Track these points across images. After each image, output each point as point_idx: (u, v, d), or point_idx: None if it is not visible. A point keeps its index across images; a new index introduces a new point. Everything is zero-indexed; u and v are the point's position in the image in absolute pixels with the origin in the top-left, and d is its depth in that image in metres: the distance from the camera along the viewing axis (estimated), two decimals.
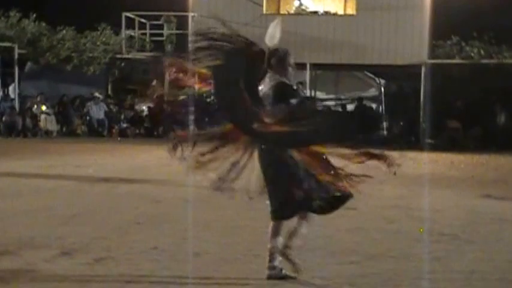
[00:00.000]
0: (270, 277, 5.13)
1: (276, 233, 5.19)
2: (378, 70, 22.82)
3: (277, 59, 5.26)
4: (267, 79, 5.21)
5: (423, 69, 20.03)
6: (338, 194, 5.10)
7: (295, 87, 5.34)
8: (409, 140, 21.37)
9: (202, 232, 5.71)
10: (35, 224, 7.12)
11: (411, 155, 16.84)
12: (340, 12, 21.31)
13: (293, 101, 5.14)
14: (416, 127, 20.52)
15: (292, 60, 5.31)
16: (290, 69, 5.28)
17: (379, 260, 5.91)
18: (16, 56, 21.18)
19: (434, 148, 17.97)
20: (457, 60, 20.15)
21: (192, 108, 5.14)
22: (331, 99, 23.46)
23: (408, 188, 10.71)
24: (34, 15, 21.82)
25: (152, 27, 22.29)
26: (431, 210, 8.44)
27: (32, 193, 9.27)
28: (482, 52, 19.91)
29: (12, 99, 22.00)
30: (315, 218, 5.29)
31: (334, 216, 7.92)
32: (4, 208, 8.04)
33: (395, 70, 21.44)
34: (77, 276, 5.19)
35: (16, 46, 21.20)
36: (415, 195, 9.93)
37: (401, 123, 22.10)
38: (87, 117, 21.69)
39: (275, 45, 5.34)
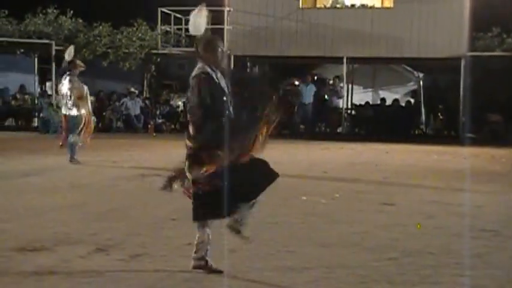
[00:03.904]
0: (194, 267, 5.08)
1: (202, 224, 5.13)
2: (416, 63, 22.54)
3: (203, 46, 5.09)
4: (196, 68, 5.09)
5: (463, 62, 19.71)
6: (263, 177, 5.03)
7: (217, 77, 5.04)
8: (449, 134, 21.13)
9: None
10: (70, 220, 7.14)
11: (451, 149, 16.65)
12: (378, 5, 21.10)
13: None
14: (456, 121, 20.21)
15: (220, 46, 5.12)
16: (219, 55, 5.07)
17: (417, 256, 5.79)
18: (53, 53, 21.38)
19: (475, 142, 17.69)
20: (497, 53, 19.78)
21: None
22: None
23: (448, 183, 10.55)
24: (71, 12, 22.05)
25: (188, 22, 22.32)
26: (471, 205, 8.27)
27: (67, 189, 9.32)
28: None
29: (50, 96, 22.23)
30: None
31: (371, 212, 7.88)
32: (40, 204, 8.08)
33: (434, 63, 21.15)
34: (112, 272, 5.17)
35: (53, 43, 21.42)
36: (455, 190, 9.76)
37: (441, 117, 21.81)
38: (123, 113, 21.82)
39: (201, 33, 5.20)
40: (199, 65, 5.08)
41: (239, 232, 5.12)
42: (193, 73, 5.07)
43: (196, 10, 5.30)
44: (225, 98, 5.02)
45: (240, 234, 5.13)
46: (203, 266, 5.11)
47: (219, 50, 5.11)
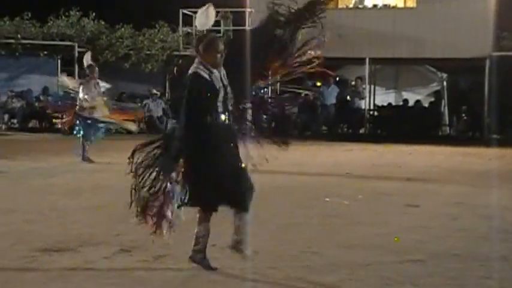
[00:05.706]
0: (191, 258, 5.20)
1: (202, 219, 5.23)
2: (440, 64, 22.33)
3: (206, 44, 5.12)
4: (194, 64, 5.14)
5: (487, 63, 19.51)
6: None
7: (209, 78, 5.07)
8: (473, 136, 20.92)
9: (259, 230, 5.64)
10: (94, 221, 7.18)
11: (476, 150, 16.49)
12: (400, 5, 20.97)
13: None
14: (480, 122, 20.01)
15: (221, 46, 5.13)
16: (218, 56, 5.10)
17: (442, 258, 5.73)
18: (76, 55, 21.51)
19: (500, 143, 17.48)
20: None
21: None
22: None
23: (473, 184, 10.46)
24: (93, 14, 22.18)
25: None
26: (497, 207, 8.18)
27: (91, 190, 9.36)
28: None
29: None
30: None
31: (395, 213, 7.82)
32: (65, 205, 8.13)
33: (458, 63, 20.95)
34: (136, 273, 5.19)
35: (76, 45, 21.55)
36: (480, 192, 9.66)
37: (465, 118, 21.63)
38: (146, 115, 21.86)
39: (205, 30, 5.36)
40: (195, 64, 5.13)
41: (241, 251, 5.17)
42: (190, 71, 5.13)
43: (205, 6, 5.48)
44: (219, 98, 5.06)
45: (243, 254, 5.17)
46: (200, 259, 5.17)
47: (220, 51, 5.12)
